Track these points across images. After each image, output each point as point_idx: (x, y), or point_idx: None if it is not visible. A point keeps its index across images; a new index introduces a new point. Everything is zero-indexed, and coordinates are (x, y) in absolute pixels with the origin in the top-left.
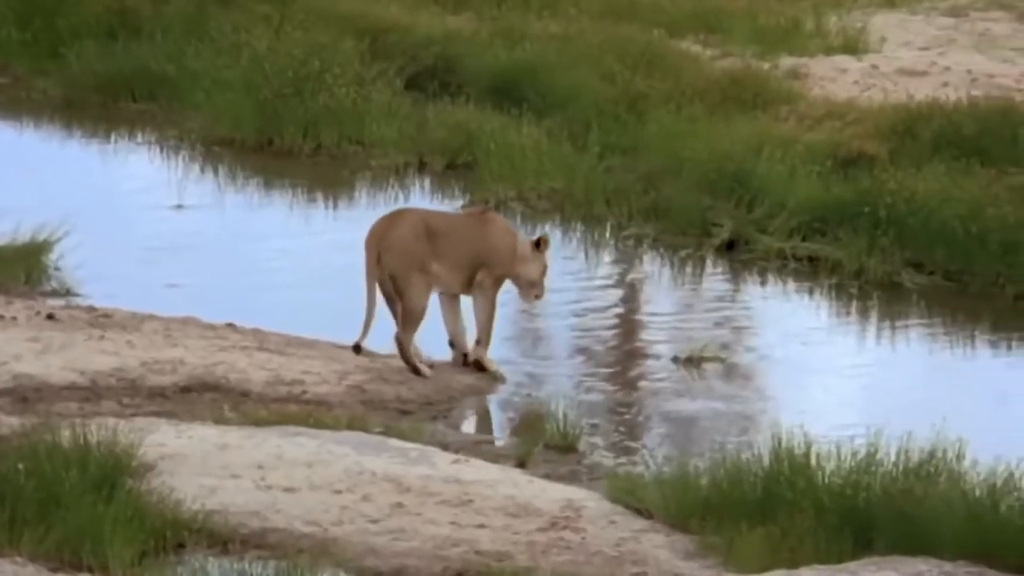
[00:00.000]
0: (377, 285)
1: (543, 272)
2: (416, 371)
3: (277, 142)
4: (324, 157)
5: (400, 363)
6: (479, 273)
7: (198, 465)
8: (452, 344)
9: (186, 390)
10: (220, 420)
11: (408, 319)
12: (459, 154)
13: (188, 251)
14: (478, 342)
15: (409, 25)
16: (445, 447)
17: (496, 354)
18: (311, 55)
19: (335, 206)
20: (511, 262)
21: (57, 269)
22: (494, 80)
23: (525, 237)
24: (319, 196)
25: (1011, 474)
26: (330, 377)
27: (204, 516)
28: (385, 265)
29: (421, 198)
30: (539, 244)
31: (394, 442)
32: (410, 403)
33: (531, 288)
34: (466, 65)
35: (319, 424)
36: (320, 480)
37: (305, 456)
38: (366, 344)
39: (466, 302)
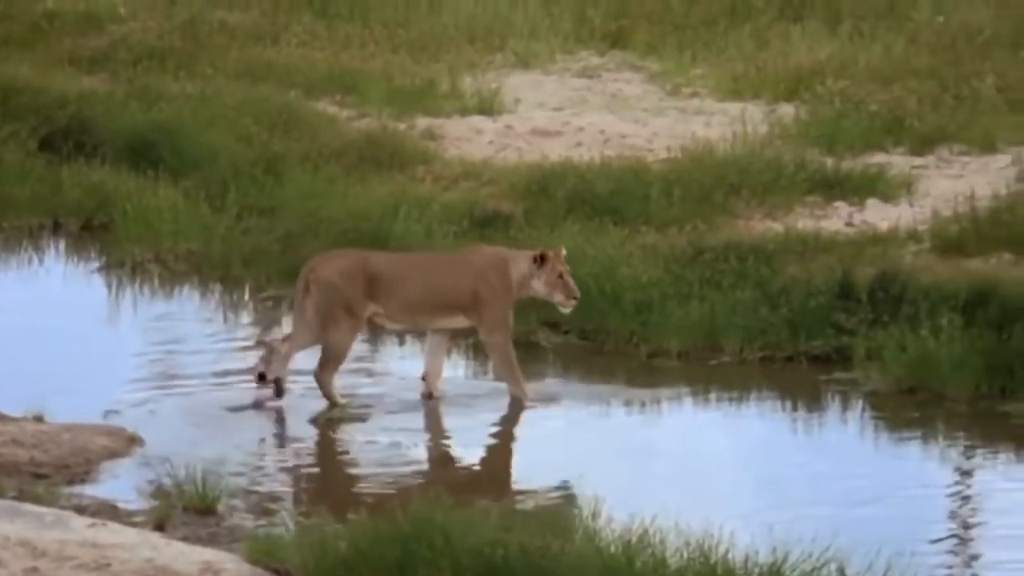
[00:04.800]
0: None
1: (555, 283)
2: (335, 404)
3: None
4: None
5: (35, 426)
6: (473, 321)
7: None
8: (424, 378)
9: None
10: None
11: (326, 356)
12: (95, 215)
13: None
14: (514, 398)
15: (42, 86)
16: (81, 511)
17: (131, 416)
18: None
19: None
20: (503, 295)
21: None
22: (130, 141)
23: (524, 257)
24: None
25: (645, 531)
26: None
27: None
28: (311, 298)
29: (56, 260)
30: (541, 259)
31: (28, 506)
32: (45, 466)
33: (552, 299)
34: (101, 126)
35: None
36: None
37: None
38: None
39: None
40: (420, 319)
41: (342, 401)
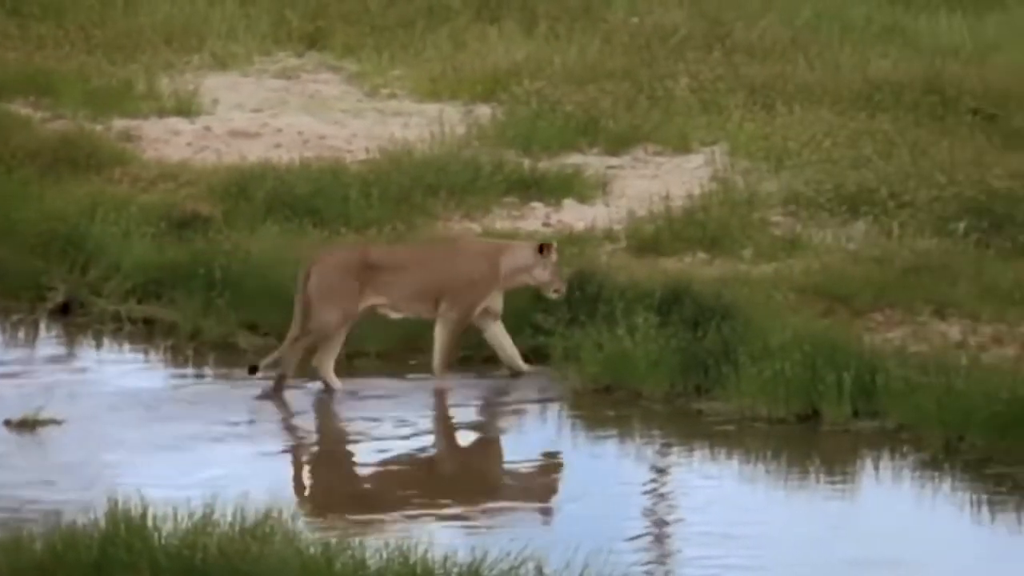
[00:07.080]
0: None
1: (553, 271)
2: (333, 389)
3: None
4: None
5: None
6: (442, 301)
7: None
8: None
9: None
10: None
11: (314, 338)
12: None
13: None
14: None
15: None
16: None
17: None
18: None
19: None
20: (484, 286)
21: None
22: None
23: (527, 246)
24: None
25: (345, 532)
26: None
27: None
28: (309, 286)
29: None
30: (543, 249)
31: None
32: None
33: (547, 287)
34: None
35: None
36: None
37: None
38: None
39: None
40: (422, 309)
41: (340, 386)
